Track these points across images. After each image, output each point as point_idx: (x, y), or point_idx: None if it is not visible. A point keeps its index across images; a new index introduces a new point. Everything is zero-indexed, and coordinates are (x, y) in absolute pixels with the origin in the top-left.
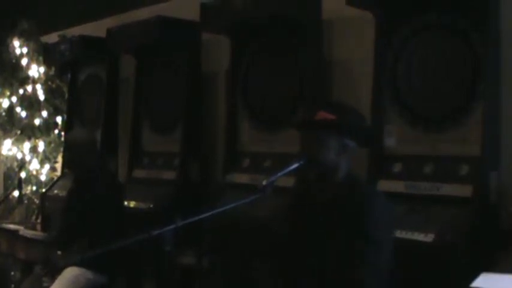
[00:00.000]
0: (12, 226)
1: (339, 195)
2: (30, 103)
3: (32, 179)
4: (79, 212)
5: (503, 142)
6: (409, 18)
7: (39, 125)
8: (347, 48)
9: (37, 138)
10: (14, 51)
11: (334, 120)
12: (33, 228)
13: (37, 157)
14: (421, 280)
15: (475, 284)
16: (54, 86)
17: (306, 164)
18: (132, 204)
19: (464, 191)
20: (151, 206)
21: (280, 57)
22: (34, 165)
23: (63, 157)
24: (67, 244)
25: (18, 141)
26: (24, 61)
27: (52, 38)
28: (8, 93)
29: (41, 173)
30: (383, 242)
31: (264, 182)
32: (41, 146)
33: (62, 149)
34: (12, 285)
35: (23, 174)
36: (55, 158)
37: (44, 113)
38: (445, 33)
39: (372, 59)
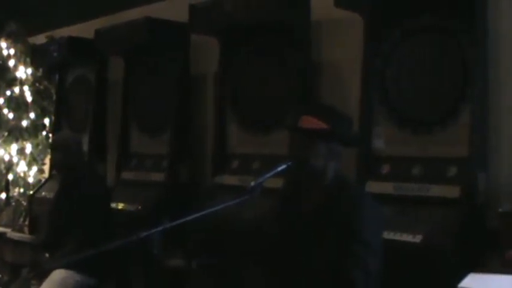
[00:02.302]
0: None
1: (328, 197)
2: (18, 105)
3: (20, 181)
4: (66, 213)
5: (490, 143)
6: (397, 20)
7: (27, 127)
8: (336, 49)
9: (24, 140)
10: (1, 52)
11: (325, 129)
12: (21, 230)
13: (25, 159)
14: (409, 281)
15: (463, 284)
16: (42, 87)
17: (295, 167)
18: (121, 206)
19: (452, 192)
20: (140, 207)
21: (268, 59)
22: (21, 167)
23: (51, 159)
24: (55, 246)
25: (5, 143)
26: (11, 62)
27: (40, 39)
28: None
29: (29, 175)
30: (372, 242)
31: (252, 184)
32: (29, 147)
33: (49, 151)
34: None
35: (10, 176)
36: (43, 159)
37: (32, 115)
38: (434, 35)
39: (360, 60)
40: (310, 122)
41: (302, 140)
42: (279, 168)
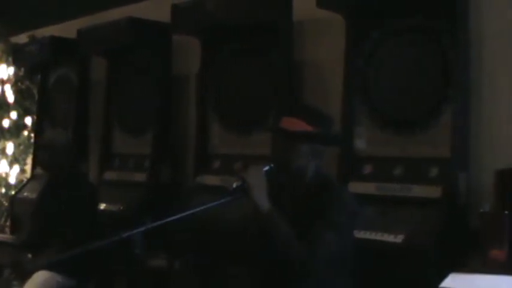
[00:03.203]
0: None
1: (309, 196)
2: None
3: (1, 181)
4: (52, 214)
5: (471, 144)
6: (379, 20)
7: (9, 127)
8: (318, 50)
9: (6, 140)
10: None
11: (308, 131)
12: (2, 231)
13: (6, 159)
14: (391, 281)
15: (444, 284)
16: (23, 87)
17: (278, 168)
18: (103, 206)
19: (433, 192)
20: (122, 208)
21: (251, 59)
22: (3, 167)
23: (36, 158)
24: (37, 247)
25: None
26: None
27: (22, 38)
28: None
29: (10, 175)
30: (342, 228)
31: (234, 185)
32: (10, 147)
33: (31, 151)
34: None
35: None
36: (24, 160)
37: (13, 115)
38: (416, 37)
39: (342, 60)
40: (292, 124)
41: (285, 141)
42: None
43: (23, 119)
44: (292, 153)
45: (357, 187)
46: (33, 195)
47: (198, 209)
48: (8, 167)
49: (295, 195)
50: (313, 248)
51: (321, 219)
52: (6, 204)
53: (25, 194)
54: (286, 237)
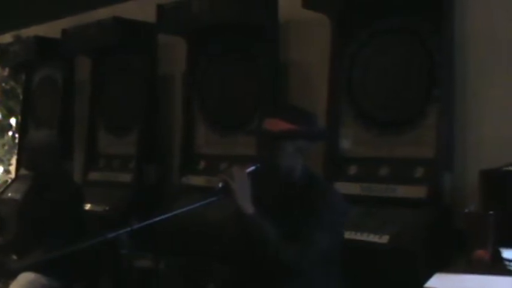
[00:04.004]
0: None
1: (297, 193)
2: None
3: None
4: (37, 215)
5: (456, 144)
6: (365, 21)
7: None
8: (303, 51)
9: None
10: None
11: (292, 130)
12: None
13: None
14: (377, 281)
15: (429, 283)
16: (8, 87)
17: (267, 170)
18: (88, 207)
19: (419, 192)
20: (107, 208)
21: (236, 60)
22: None
23: (21, 158)
24: (22, 248)
25: None
26: None
27: (6, 38)
28: None
29: None
30: (332, 227)
31: (220, 185)
32: None
33: (16, 152)
34: None
35: None
36: (9, 160)
37: None
38: (401, 37)
39: (328, 61)
40: (275, 125)
41: (271, 143)
42: (248, 170)
43: (8, 120)
44: (280, 154)
45: (342, 187)
46: (18, 196)
47: (183, 209)
48: None
49: (283, 195)
50: (304, 247)
51: (311, 218)
52: None
53: (9, 194)
54: (270, 239)
